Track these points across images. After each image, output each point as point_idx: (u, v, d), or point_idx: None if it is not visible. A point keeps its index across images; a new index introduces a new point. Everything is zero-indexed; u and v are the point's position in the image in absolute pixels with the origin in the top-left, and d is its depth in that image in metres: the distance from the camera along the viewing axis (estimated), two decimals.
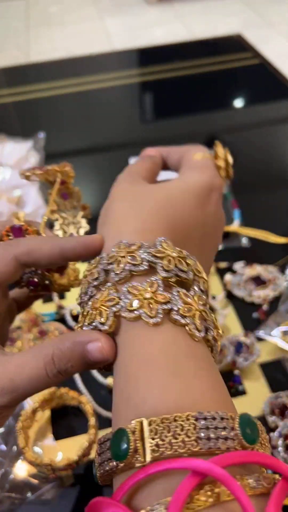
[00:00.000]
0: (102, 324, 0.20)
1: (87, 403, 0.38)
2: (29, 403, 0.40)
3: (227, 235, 0.55)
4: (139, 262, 0.21)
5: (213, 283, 0.50)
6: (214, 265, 0.52)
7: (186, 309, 0.20)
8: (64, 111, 0.82)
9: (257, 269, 0.50)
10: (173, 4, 2.01)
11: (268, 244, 0.54)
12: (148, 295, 0.20)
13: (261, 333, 0.44)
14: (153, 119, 0.81)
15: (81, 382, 0.42)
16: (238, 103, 0.84)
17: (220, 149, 0.28)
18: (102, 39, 1.77)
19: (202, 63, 0.93)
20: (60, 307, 0.48)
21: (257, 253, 0.53)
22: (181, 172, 0.27)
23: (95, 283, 0.21)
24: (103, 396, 0.41)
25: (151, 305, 0.19)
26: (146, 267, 0.21)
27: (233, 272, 0.50)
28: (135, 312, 0.19)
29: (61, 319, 0.47)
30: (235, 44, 1.00)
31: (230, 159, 0.28)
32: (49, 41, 1.78)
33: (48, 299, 0.49)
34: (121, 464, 0.16)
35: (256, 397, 0.40)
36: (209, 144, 0.72)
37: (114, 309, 0.20)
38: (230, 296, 0.48)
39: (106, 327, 0.20)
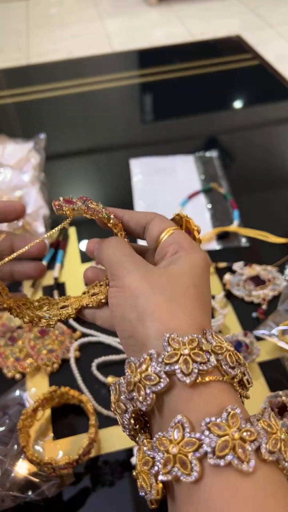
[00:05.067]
0: (188, 475, 0.17)
1: (88, 402, 0.38)
2: (30, 402, 0.40)
3: (226, 235, 0.56)
4: (205, 360, 0.20)
5: (213, 283, 0.50)
6: (214, 265, 0.52)
7: (273, 442, 0.18)
8: (65, 112, 0.83)
9: (257, 269, 0.50)
10: (173, 6, 2.01)
11: (267, 244, 0.54)
12: (235, 434, 0.17)
13: (260, 332, 0.44)
14: (153, 120, 0.82)
15: (82, 381, 0.42)
16: (238, 104, 0.84)
17: (192, 223, 0.27)
18: (102, 40, 1.78)
19: (201, 64, 0.93)
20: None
21: (256, 253, 0.53)
22: (176, 257, 0.25)
23: (154, 388, 0.19)
24: (104, 395, 0.41)
25: (241, 448, 0.17)
26: (214, 364, 0.20)
27: (233, 272, 0.51)
28: (227, 457, 0.17)
29: (62, 319, 0.47)
30: (234, 45, 1.00)
31: (200, 228, 0.28)
32: (50, 42, 1.78)
33: None
34: None
35: (255, 396, 0.40)
36: (209, 144, 0.73)
37: (197, 454, 0.17)
38: (229, 296, 0.49)
39: (192, 479, 0.17)
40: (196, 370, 0.19)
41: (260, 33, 1.71)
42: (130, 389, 0.20)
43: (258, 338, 0.44)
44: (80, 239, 0.57)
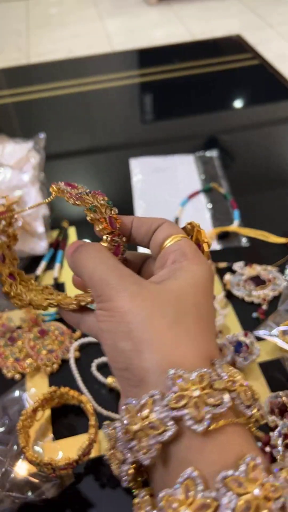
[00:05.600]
0: None
1: (88, 402, 0.38)
2: (30, 402, 0.40)
3: (226, 235, 0.56)
4: (219, 401, 0.17)
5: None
6: (214, 265, 0.52)
7: None
8: (65, 111, 0.83)
9: (257, 269, 0.50)
10: (173, 5, 2.01)
11: (267, 244, 0.54)
12: (259, 492, 0.15)
13: (260, 332, 0.44)
14: (153, 120, 0.82)
15: (82, 382, 0.42)
16: (238, 103, 0.84)
17: (204, 234, 0.24)
18: (102, 40, 1.78)
19: (201, 64, 0.93)
20: None
21: (257, 253, 0.53)
22: (177, 267, 0.22)
23: (160, 438, 0.16)
24: (104, 396, 0.41)
25: (266, 508, 0.14)
26: (229, 405, 0.17)
27: (233, 272, 0.51)
28: None
29: (62, 319, 0.47)
30: (234, 45, 1.00)
31: (210, 243, 0.25)
32: (50, 42, 1.78)
33: None
34: None
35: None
36: (209, 144, 0.72)
37: None
38: (229, 296, 0.49)
39: None
40: (208, 416, 0.16)
41: (260, 33, 1.70)
42: (128, 438, 0.17)
43: (259, 338, 0.44)
44: (80, 239, 0.57)
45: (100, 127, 0.78)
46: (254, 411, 0.18)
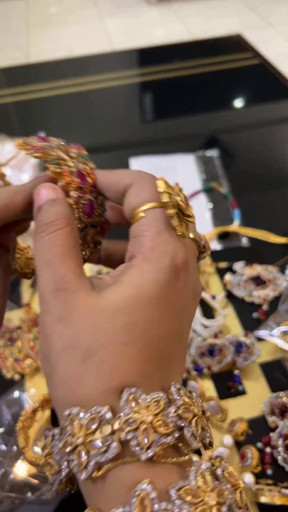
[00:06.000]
0: None
1: None
2: (29, 403, 0.40)
3: (227, 235, 0.55)
4: (170, 430, 0.15)
5: (214, 283, 0.50)
6: (215, 265, 0.52)
7: None
8: (64, 111, 0.82)
9: (257, 269, 0.50)
10: (173, 4, 2.01)
11: (268, 244, 0.54)
12: (211, 501, 0.14)
13: (261, 333, 0.44)
14: (153, 119, 0.81)
15: None
16: (238, 103, 0.84)
17: (185, 207, 0.19)
18: (102, 39, 1.77)
19: (202, 63, 0.93)
20: None
21: (257, 253, 0.53)
22: (132, 264, 0.18)
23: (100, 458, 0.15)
24: None
25: None
26: (177, 435, 0.15)
27: (233, 272, 0.50)
28: None
29: None
30: (235, 44, 1.00)
31: (186, 199, 0.20)
32: (49, 41, 1.78)
33: None
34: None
35: (256, 397, 0.40)
36: (210, 143, 0.72)
37: None
38: (230, 296, 0.48)
39: None
40: (93, 463, 0.15)
41: (260, 32, 1.70)
42: (66, 450, 0.15)
43: (259, 339, 0.44)
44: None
45: (100, 127, 0.78)
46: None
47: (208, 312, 0.47)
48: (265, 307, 0.47)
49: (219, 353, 0.42)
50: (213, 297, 0.48)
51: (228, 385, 0.41)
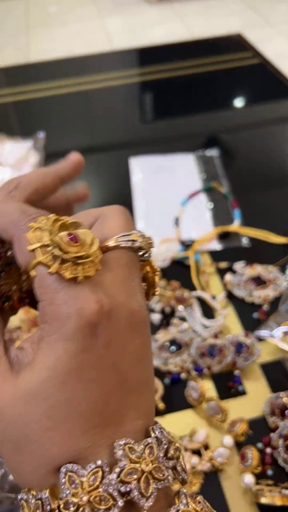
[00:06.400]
0: None
1: None
2: None
3: (227, 235, 0.55)
4: (110, 504, 0.15)
5: (214, 283, 0.50)
6: (215, 265, 0.51)
7: None
8: (64, 110, 0.82)
9: (257, 269, 0.50)
10: (173, 4, 2.00)
11: (268, 244, 0.53)
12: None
13: (261, 333, 0.44)
14: (153, 119, 0.81)
15: None
16: (238, 102, 0.84)
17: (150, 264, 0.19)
18: (102, 38, 1.77)
19: (202, 63, 0.93)
20: None
21: (257, 253, 0.53)
22: (42, 336, 0.17)
23: None
24: None
25: None
26: (121, 504, 0.15)
27: (234, 272, 0.50)
28: None
29: None
30: (235, 43, 1.00)
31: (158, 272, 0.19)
32: (49, 40, 1.78)
33: None
34: None
35: (256, 397, 0.40)
36: (210, 143, 0.72)
37: None
38: (230, 296, 0.48)
39: None
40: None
41: (260, 32, 1.70)
42: (72, 510, 0.15)
43: (259, 339, 0.43)
44: None
45: (100, 126, 0.78)
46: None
47: (208, 312, 0.47)
48: (265, 307, 0.47)
49: (219, 353, 0.42)
50: (213, 297, 0.48)
51: (228, 385, 0.41)
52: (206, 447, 0.37)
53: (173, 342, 0.44)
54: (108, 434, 0.16)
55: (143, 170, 0.66)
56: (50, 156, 0.68)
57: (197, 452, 0.37)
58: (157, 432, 0.17)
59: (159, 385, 0.41)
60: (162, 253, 0.52)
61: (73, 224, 0.17)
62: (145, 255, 0.19)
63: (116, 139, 0.74)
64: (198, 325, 0.45)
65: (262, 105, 0.82)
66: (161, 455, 0.16)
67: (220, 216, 0.58)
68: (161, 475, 0.16)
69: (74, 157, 0.28)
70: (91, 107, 0.83)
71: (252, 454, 0.35)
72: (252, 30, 1.65)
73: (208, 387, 0.41)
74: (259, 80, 0.88)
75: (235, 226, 0.56)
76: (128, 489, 0.15)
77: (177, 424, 0.39)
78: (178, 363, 0.42)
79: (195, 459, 0.36)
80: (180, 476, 0.17)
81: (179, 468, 0.17)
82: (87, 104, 0.84)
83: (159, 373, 0.42)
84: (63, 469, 0.15)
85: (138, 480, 0.15)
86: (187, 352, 0.43)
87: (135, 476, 0.15)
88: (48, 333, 0.16)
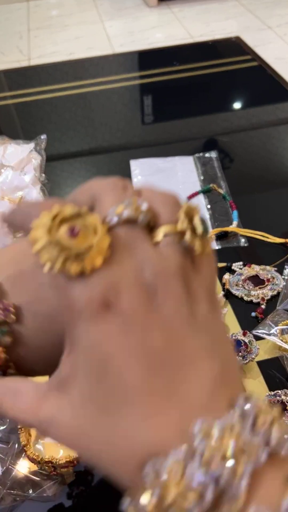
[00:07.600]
0: None
1: None
2: None
3: (225, 235, 0.56)
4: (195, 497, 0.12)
5: None
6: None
7: None
8: (65, 113, 0.83)
9: (255, 269, 0.50)
10: (173, 7, 2.02)
11: (266, 244, 0.54)
12: None
13: (259, 332, 0.44)
14: (153, 121, 0.82)
15: None
16: (237, 105, 0.85)
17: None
18: (103, 42, 1.78)
19: (201, 66, 0.94)
20: None
21: (255, 253, 0.54)
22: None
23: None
24: None
25: None
26: (211, 496, 0.12)
27: (232, 271, 0.51)
28: None
29: None
30: (234, 47, 1.01)
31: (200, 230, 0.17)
32: (51, 44, 1.79)
33: None
34: None
35: (254, 395, 0.40)
36: (209, 145, 0.73)
37: None
38: (228, 295, 0.49)
39: None
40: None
41: (259, 35, 1.71)
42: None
43: (257, 338, 0.44)
44: None
45: (101, 129, 0.78)
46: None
47: None
48: (263, 306, 0.47)
49: None
50: None
51: None
52: None
53: None
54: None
55: (143, 172, 0.67)
56: (51, 158, 0.69)
57: None
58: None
59: None
60: None
61: (73, 215, 0.16)
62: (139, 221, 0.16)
63: (117, 141, 0.75)
64: None
65: (261, 107, 0.83)
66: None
67: (219, 217, 0.59)
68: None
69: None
70: (92, 109, 0.84)
71: None
72: (251, 34, 1.66)
73: None
74: (257, 83, 0.88)
75: (233, 226, 0.56)
76: (215, 473, 0.12)
77: None
78: None
79: None
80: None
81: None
82: (88, 107, 0.84)
83: None
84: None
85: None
86: None
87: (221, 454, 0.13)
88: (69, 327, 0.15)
